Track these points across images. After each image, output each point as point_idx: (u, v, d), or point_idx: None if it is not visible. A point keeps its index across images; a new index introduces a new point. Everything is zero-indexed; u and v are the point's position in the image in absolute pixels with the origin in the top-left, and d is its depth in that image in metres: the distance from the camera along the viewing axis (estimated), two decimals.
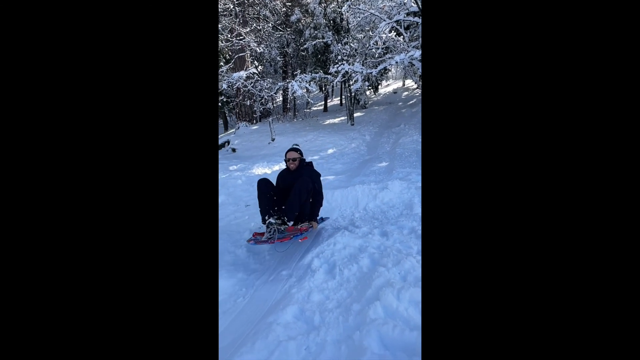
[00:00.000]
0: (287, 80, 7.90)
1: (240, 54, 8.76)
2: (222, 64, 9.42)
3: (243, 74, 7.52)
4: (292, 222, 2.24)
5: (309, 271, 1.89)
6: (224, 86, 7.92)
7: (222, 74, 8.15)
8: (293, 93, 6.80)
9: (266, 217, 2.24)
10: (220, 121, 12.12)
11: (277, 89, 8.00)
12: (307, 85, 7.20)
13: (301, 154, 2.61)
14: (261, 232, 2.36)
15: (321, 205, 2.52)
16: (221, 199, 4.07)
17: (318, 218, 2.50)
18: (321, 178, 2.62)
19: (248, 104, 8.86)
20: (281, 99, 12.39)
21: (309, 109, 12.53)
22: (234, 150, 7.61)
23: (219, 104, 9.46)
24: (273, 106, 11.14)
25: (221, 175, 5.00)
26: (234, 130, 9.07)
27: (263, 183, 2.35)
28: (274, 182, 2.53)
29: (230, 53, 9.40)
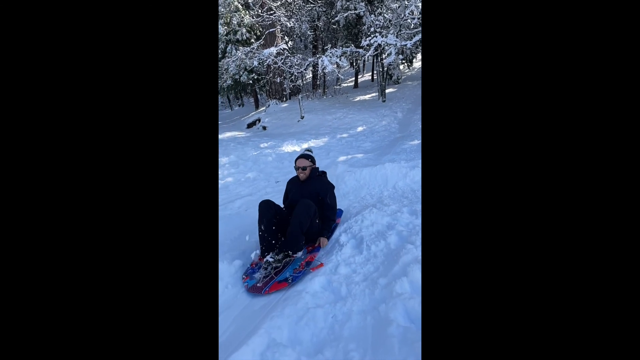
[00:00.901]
0: (318, 56, 7.71)
1: (271, 30, 8.65)
2: (252, 40, 9.38)
3: (273, 50, 7.45)
4: (299, 254, 1.86)
5: (336, 245, 1.94)
6: (255, 63, 7.93)
7: (253, 50, 8.13)
8: (323, 69, 6.65)
9: (266, 254, 1.86)
10: (252, 99, 12.26)
11: (307, 65, 7.85)
12: (338, 60, 6.99)
13: (313, 161, 2.26)
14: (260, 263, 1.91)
15: (333, 220, 2.14)
16: (253, 175, 4.22)
17: (327, 233, 2.07)
18: (348, 157, 2.48)
19: (278, 81, 8.84)
20: (311, 75, 12.19)
21: (339, 85, 12.23)
22: (264, 128, 7.73)
23: (250, 81, 9.53)
24: (303, 83, 11.02)
25: (253, 153, 5.14)
26: (264, 108, 9.16)
27: (264, 206, 1.96)
28: (284, 189, 2.32)
29: (260, 29, 9.31)
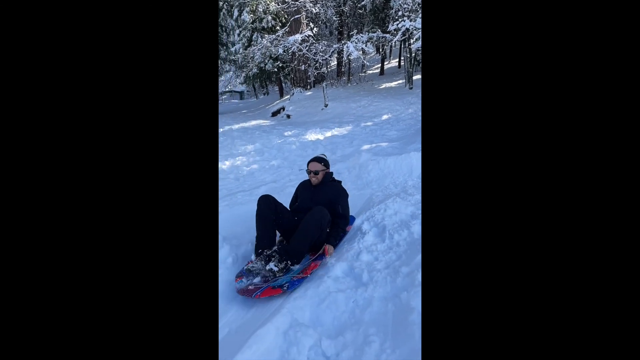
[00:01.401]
0: (343, 42, 7.55)
1: (296, 16, 8.56)
2: (278, 27, 9.35)
3: (298, 37, 7.39)
4: (297, 266, 1.67)
5: (358, 233, 1.95)
6: (280, 51, 7.92)
7: (279, 38, 8.12)
8: (348, 55, 6.52)
9: (260, 250, 1.71)
10: (276, 87, 12.32)
11: (332, 51, 7.73)
12: (364, 46, 6.82)
13: (326, 165, 2.09)
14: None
15: (344, 230, 1.95)
16: (277, 162, 4.29)
17: (335, 242, 1.86)
18: (372, 145, 2.41)
19: (302, 68, 8.80)
20: (335, 62, 11.99)
21: (364, 72, 11.95)
22: (288, 116, 7.78)
23: (275, 69, 9.56)
24: (327, 70, 10.88)
25: (277, 141, 5.21)
26: (288, 96, 9.19)
27: (263, 202, 1.81)
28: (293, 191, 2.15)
29: (286, 16, 9.24)
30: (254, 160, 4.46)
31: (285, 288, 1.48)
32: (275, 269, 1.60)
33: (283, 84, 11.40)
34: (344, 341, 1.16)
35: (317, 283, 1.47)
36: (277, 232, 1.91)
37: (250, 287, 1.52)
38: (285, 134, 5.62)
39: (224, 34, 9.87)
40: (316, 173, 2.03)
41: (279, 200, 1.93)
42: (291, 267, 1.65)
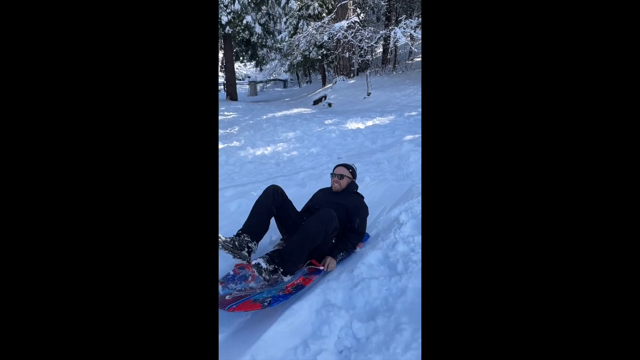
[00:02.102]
0: (390, 28, 7.26)
1: (343, 2, 8.39)
2: (324, 14, 9.26)
3: (344, 23, 7.26)
4: (288, 277, 1.38)
5: (395, 223, 1.92)
6: (325, 38, 7.87)
7: (324, 25, 8.05)
8: (395, 42, 6.26)
9: (239, 232, 1.48)
10: (319, 76, 12.31)
11: (378, 38, 7.48)
12: (412, 32, 6.49)
13: (353, 174, 1.89)
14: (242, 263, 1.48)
15: (354, 246, 1.65)
16: (316, 150, 4.34)
17: (340, 255, 1.57)
18: (415, 136, 2.23)
19: (347, 56, 8.66)
20: (381, 50, 11.60)
21: (411, 60, 11.40)
22: (329, 105, 7.76)
23: (319, 57, 9.53)
24: (372, 58, 10.58)
25: (317, 129, 5.25)
26: (331, 85, 9.14)
27: (267, 191, 1.61)
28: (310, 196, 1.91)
29: (332, 2, 9.10)
30: (294, 147, 4.56)
31: (266, 304, 1.21)
32: (264, 265, 1.33)
33: (326, 72, 11.35)
34: (375, 326, 1.17)
35: (351, 268, 1.49)
36: (280, 234, 1.73)
37: (227, 297, 1.28)
38: (326, 122, 5.63)
39: (271, 22, 10.03)
40: (340, 177, 1.82)
41: (315, 187, 1.92)
42: (282, 276, 1.37)
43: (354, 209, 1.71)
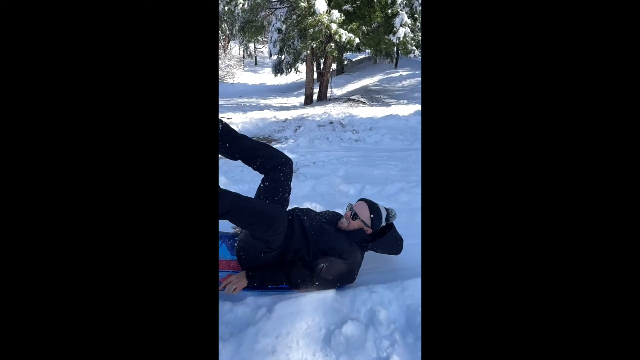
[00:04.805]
0: None
1: None
2: None
3: None
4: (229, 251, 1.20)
5: None
6: None
7: None
8: None
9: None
10: None
11: None
12: None
13: (375, 222, 1.24)
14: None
15: (296, 287, 1.10)
16: None
17: (259, 279, 1.12)
18: None
19: None
20: None
21: None
22: None
23: None
24: None
25: None
26: None
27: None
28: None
29: None
30: None
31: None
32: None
33: None
34: None
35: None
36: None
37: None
38: None
39: None
40: (354, 218, 1.24)
41: None
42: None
43: (341, 248, 1.15)
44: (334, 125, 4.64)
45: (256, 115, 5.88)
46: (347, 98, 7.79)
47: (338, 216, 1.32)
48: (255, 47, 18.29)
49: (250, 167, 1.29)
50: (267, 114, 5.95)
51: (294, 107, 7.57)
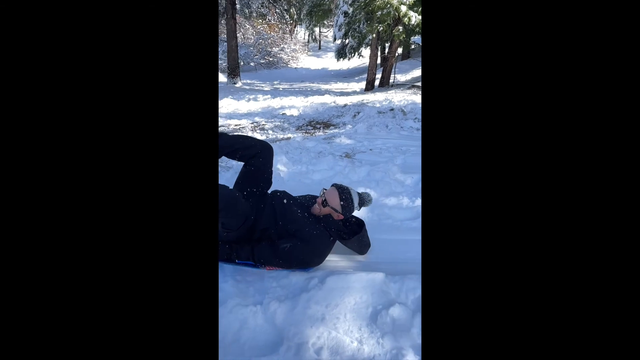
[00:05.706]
0: None
1: None
2: None
3: None
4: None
5: None
6: None
7: None
8: None
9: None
10: None
11: None
12: None
13: (346, 209, 1.25)
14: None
15: (262, 264, 1.17)
16: None
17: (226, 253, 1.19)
18: None
19: None
20: None
21: None
22: None
23: None
24: None
25: None
26: None
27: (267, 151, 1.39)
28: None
29: None
30: None
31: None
32: None
33: None
34: None
35: None
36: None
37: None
38: None
39: None
40: (324, 205, 1.23)
41: None
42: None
43: (299, 234, 1.16)
44: (394, 112, 4.48)
45: (317, 99, 5.97)
46: (410, 85, 7.42)
47: (314, 201, 1.33)
48: (320, 31, 18.32)
49: (233, 160, 1.44)
50: (327, 99, 6.00)
51: (354, 92, 7.48)
